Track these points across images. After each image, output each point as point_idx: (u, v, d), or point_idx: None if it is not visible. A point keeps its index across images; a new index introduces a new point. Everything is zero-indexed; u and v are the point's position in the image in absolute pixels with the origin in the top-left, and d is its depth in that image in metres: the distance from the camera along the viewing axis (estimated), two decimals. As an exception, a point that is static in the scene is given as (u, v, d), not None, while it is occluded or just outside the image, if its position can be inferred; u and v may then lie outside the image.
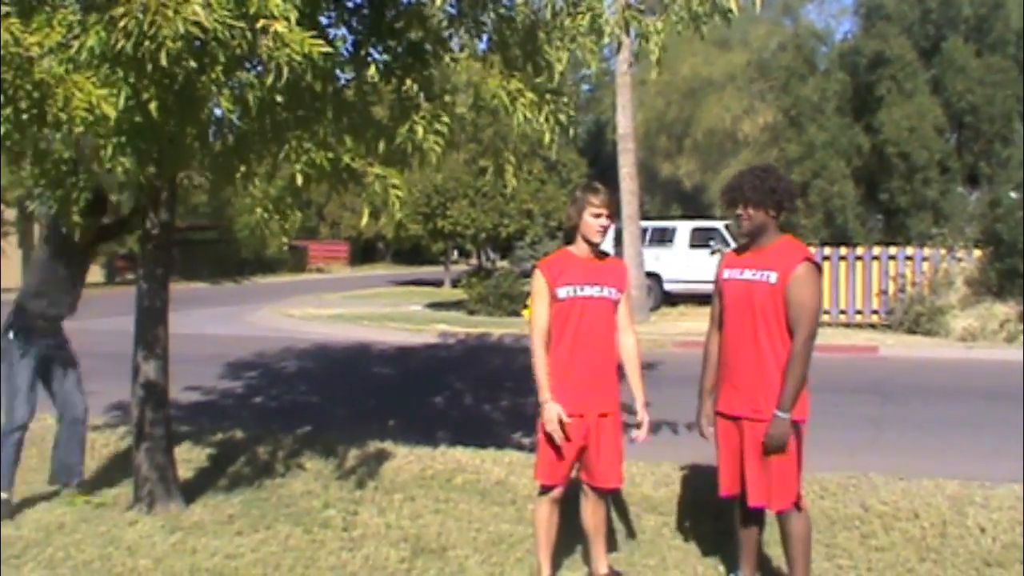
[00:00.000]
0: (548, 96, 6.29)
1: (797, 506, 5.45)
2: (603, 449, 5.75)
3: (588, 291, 5.72)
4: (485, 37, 6.80)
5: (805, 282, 5.31)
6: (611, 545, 6.38)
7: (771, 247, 5.45)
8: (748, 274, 5.44)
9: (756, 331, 5.39)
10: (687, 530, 6.88)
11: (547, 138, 6.31)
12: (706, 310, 6.12)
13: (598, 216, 5.71)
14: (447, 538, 6.74)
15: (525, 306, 23.46)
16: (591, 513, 5.91)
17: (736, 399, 5.50)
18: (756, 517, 5.69)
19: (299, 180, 6.03)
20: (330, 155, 6.01)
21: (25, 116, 5.19)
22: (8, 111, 5.16)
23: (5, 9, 4.99)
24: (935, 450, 10.07)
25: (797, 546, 5.48)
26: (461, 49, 6.84)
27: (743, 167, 5.76)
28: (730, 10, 6.22)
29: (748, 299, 5.41)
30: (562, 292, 5.72)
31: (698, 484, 7.35)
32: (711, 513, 6.79)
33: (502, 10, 6.66)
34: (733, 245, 26.57)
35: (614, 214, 5.81)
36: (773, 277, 5.33)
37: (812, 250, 5.57)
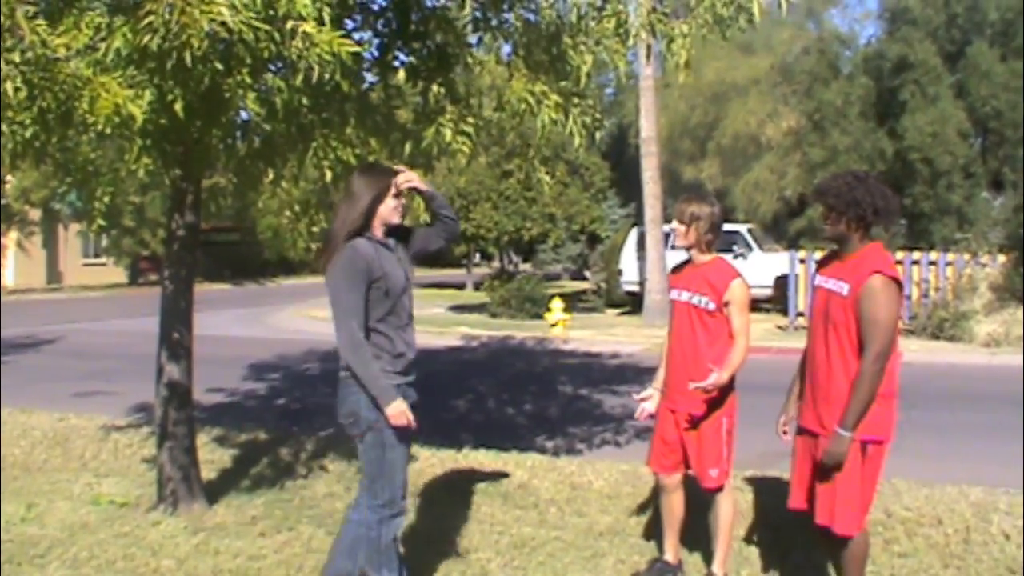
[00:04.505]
0: (574, 99, 6.32)
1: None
2: (696, 447, 5.91)
3: (676, 295, 6.02)
4: (509, 41, 6.80)
5: (876, 296, 4.97)
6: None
7: (852, 257, 5.16)
8: (830, 283, 5.19)
9: (828, 343, 5.15)
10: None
11: (576, 141, 6.39)
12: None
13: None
14: (469, 541, 6.74)
15: (548, 309, 23.48)
16: (711, 511, 6.07)
17: (808, 411, 5.30)
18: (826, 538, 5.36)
19: (328, 177, 6.08)
20: (357, 151, 6.04)
21: (51, 117, 5.22)
22: (34, 112, 5.19)
23: (33, 11, 5.01)
24: (958, 456, 10.03)
25: (850, 564, 5.28)
26: (486, 53, 6.86)
27: (831, 177, 5.40)
28: (752, 12, 6.21)
29: (825, 309, 5.20)
30: (671, 294, 6.12)
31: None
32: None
33: (528, 14, 6.67)
34: (756, 249, 26.61)
35: (690, 222, 5.86)
36: (845, 289, 5.07)
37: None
